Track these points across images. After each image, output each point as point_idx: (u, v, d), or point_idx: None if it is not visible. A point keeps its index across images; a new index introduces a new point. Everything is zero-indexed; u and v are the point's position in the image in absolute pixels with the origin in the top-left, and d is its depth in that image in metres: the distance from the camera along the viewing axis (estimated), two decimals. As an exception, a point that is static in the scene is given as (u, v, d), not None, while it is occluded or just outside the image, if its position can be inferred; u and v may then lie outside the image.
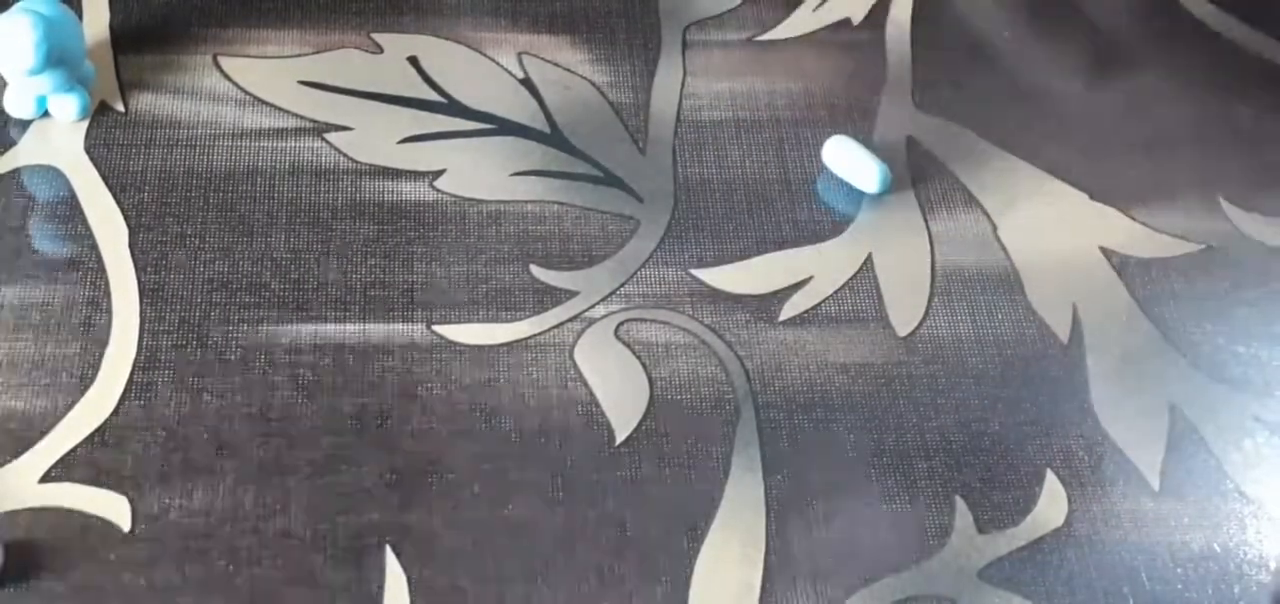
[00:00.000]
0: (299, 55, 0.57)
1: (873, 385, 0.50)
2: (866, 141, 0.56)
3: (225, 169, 0.54)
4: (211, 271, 0.51)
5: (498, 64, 0.58)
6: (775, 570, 0.46)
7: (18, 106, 0.54)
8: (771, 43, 0.59)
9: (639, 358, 0.50)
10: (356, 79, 0.57)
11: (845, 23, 0.60)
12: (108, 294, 0.50)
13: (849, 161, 0.55)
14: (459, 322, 0.51)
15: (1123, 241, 0.55)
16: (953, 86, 0.59)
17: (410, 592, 0.44)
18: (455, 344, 0.50)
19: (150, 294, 0.50)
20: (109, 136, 0.54)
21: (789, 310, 0.52)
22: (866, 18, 0.61)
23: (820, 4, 0.61)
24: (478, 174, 0.55)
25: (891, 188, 0.55)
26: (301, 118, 0.55)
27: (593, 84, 0.58)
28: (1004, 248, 0.54)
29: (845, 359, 0.51)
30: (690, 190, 0.55)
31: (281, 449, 0.47)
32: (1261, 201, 0.57)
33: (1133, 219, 0.56)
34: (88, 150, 0.54)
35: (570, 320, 0.51)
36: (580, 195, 0.54)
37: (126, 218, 0.52)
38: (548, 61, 0.58)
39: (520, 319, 0.51)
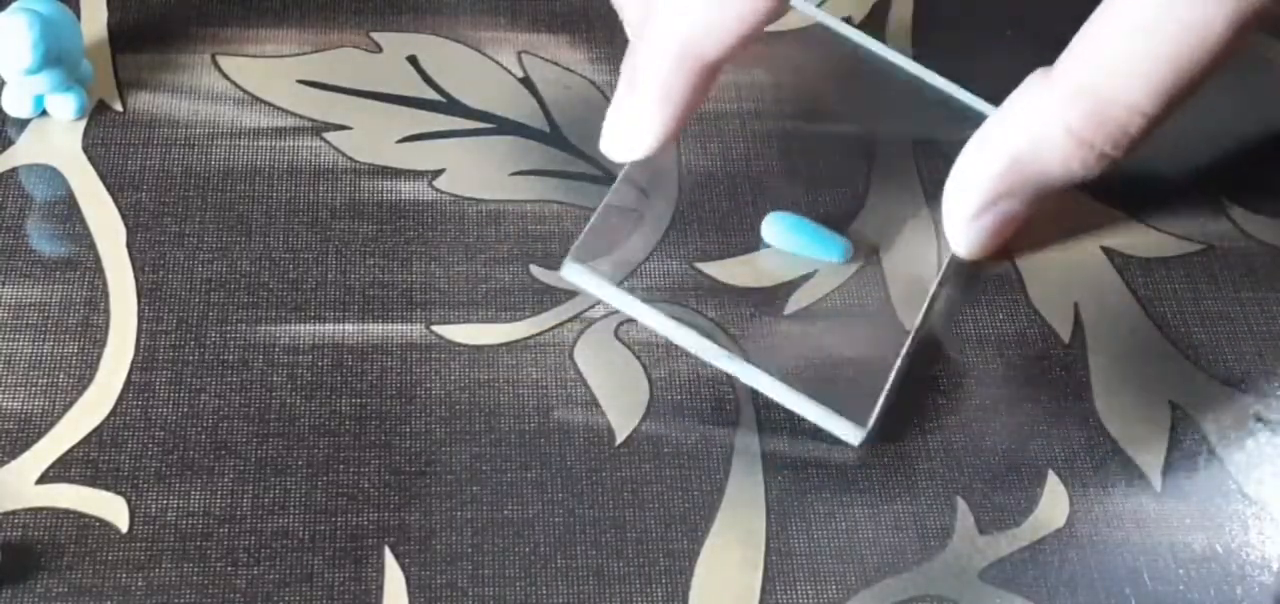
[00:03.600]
0: (297, 54, 0.57)
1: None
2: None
3: (223, 168, 0.54)
4: (210, 271, 0.51)
5: (497, 63, 0.58)
6: (775, 571, 0.46)
7: (15, 105, 0.54)
8: (775, 35, 0.59)
9: (639, 358, 0.50)
10: (355, 78, 0.57)
11: (847, 21, 0.60)
12: (105, 294, 0.50)
13: (798, 241, 0.53)
14: (458, 322, 0.50)
15: (1124, 241, 0.55)
16: (957, 78, 0.58)
17: (408, 592, 0.44)
18: (454, 344, 0.50)
19: (148, 294, 0.50)
20: (107, 136, 0.54)
21: (793, 306, 0.52)
22: (869, 14, 0.61)
23: (821, 2, 0.60)
24: (477, 173, 0.54)
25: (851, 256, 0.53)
26: (300, 117, 0.55)
27: (593, 83, 0.58)
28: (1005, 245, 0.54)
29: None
30: (694, 187, 0.55)
31: (280, 449, 0.47)
32: (1265, 201, 0.56)
33: (1134, 218, 0.55)
34: (85, 149, 0.54)
35: (570, 320, 0.51)
36: (580, 195, 0.54)
37: (124, 217, 0.52)
38: (547, 60, 0.58)
39: (520, 319, 0.51)
